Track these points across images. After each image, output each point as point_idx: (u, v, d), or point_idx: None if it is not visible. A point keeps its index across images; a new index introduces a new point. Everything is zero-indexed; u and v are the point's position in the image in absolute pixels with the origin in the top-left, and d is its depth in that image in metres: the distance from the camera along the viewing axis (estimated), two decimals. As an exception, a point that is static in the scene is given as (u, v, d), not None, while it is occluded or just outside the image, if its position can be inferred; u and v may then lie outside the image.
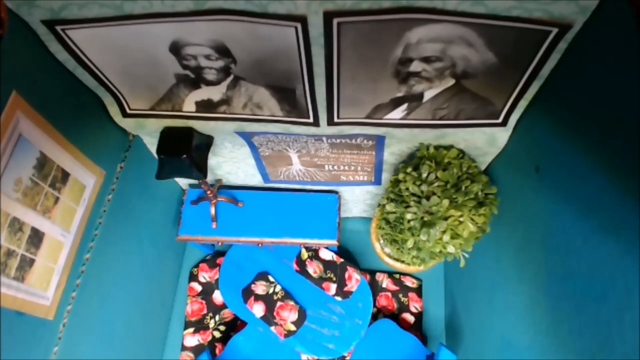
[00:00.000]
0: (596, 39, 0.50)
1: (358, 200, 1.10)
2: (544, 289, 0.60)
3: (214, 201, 0.99)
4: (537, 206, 0.63)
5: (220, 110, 0.74)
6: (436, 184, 0.73)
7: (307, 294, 1.01)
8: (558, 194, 0.58)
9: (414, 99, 0.68)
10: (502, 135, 0.73)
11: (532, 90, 0.64)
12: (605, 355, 0.46)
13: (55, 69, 0.63)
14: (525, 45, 0.56)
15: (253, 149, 0.87)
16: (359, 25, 0.54)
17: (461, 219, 0.72)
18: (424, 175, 0.74)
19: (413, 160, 0.79)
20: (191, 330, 1.09)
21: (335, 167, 0.92)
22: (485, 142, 0.75)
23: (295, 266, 1.04)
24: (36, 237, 0.60)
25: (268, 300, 1.00)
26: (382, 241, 1.01)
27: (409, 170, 0.77)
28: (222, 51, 0.61)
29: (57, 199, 0.64)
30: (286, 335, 0.97)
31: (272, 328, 0.98)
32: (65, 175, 0.65)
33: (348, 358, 1.00)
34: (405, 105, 0.69)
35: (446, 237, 0.72)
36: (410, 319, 1.11)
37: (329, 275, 1.02)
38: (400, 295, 1.12)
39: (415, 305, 1.12)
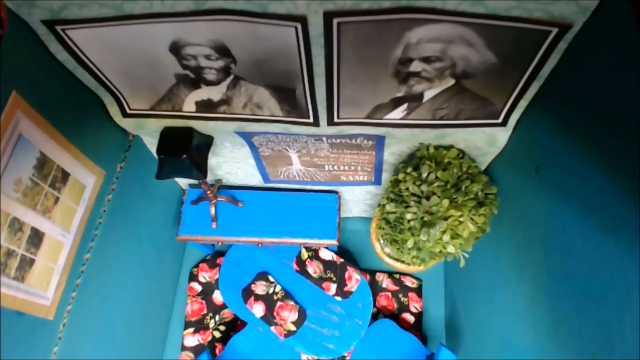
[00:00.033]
0: (596, 39, 0.50)
1: (358, 200, 1.10)
2: (544, 289, 0.60)
3: (214, 201, 0.99)
4: (537, 206, 0.63)
5: (220, 110, 0.74)
6: (436, 184, 0.73)
7: (307, 294, 1.01)
8: (558, 194, 0.58)
9: (414, 99, 0.68)
10: (502, 135, 0.73)
11: (532, 90, 0.64)
12: (605, 355, 0.46)
13: (55, 69, 0.63)
14: (525, 45, 0.56)
15: (253, 149, 0.87)
16: (359, 25, 0.54)
17: (461, 219, 0.72)
18: (424, 175, 0.74)
19: (413, 160, 0.79)
20: (191, 330, 1.09)
21: (335, 167, 0.92)
22: (485, 142, 0.75)
23: (295, 266, 1.04)
24: (36, 237, 0.60)
25: (268, 300, 1.00)
26: (382, 241, 1.01)
27: (409, 170, 0.77)
28: (222, 51, 0.61)
29: (57, 199, 0.64)
30: (286, 335, 0.97)
31: (272, 328, 0.98)
32: (65, 175, 0.65)
33: (348, 358, 1.00)
34: (405, 105, 0.69)
35: (446, 237, 0.72)
36: (410, 319, 1.11)
37: (329, 275, 1.02)
38: (400, 295, 1.12)
39: (415, 305, 1.12)
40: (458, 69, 0.61)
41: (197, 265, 1.15)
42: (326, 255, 1.04)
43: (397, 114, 0.71)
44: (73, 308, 0.70)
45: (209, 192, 0.97)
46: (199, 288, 1.13)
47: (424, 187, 0.73)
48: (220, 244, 1.02)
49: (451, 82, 0.64)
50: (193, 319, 1.10)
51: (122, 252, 0.85)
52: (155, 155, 0.79)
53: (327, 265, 1.03)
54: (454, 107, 0.69)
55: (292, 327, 0.98)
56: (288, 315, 0.99)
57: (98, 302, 0.78)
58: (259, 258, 1.05)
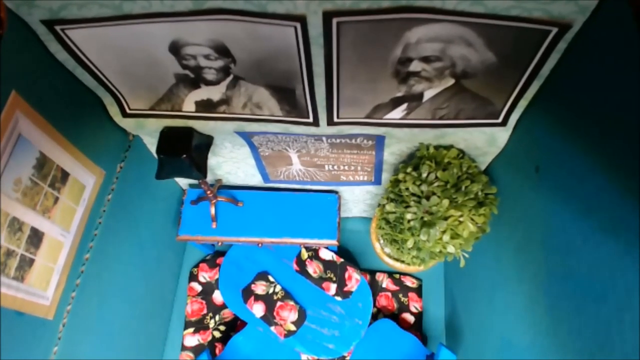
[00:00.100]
0: (596, 39, 0.50)
1: (358, 200, 1.10)
2: (544, 289, 0.60)
3: (214, 201, 0.99)
4: (537, 206, 0.63)
5: (220, 110, 0.74)
6: (436, 184, 0.73)
7: (307, 294, 1.01)
8: (558, 194, 0.58)
9: (414, 99, 0.68)
10: (502, 135, 0.73)
11: (532, 90, 0.64)
12: (605, 355, 0.45)
13: (55, 69, 0.63)
14: (525, 45, 0.56)
15: (253, 149, 0.87)
16: (358, 25, 0.54)
17: (461, 219, 0.71)
18: (424, 175, 0.74)
19: (413, 160, 0.79)
20: (191, 330, 1.09)
21: (335, 167, 0.92)
22: (485, 142, 0.75)
23: (295, 266, 1.04)
24: (36, 237, 0.60)
25: (268, 300, 1.00)
26: (382, 241, 1.01)
27: (409, 170, 0.76)
28: (222, 51, 0.61)
29: (56, 199, 0.64)
30: (286, 335, 0.97)
31: (272, 328, 0.98)
32: (65, 175, 0.65)
33: (348, 358, 1.00)
34: (405, 105, 0.69)
35: (446, 237, 0.72)
36: (410, 319, 1.11)
37: (329, 275, 1.02)
38: (400, 295, 1.12)
39: (415, 305, 1.12)
40: (458, 68, 0.61)
41: (197, 265, 1.15)
42: (326, 255, 1.04)
43: (396, 114, 0.71)
44: (73, 308, 0.70)
45: (209, 192, 0.97)
46: (199, 288, 1.13)
47: (424, 187, 0.73)
48: (220, 244, 1.02)
49: (451, 81, 0.64)
50: (193, 319, 1.10)
51: (122, 252, 0.85)
52: (155, 155, 0.79)
53: (327, 265, 1.03)
54: (453, 106, 0.69)
55: (292, 327, 0.98)
56: (288, 315, 0.99)
57: (98, 302, 0.78)
58: (259, 258, 1.05)
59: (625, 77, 0.45)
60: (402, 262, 0.98)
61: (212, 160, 0.94)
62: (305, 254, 1.04)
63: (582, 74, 0.53)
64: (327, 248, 1.03)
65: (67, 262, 0.68)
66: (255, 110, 0.73)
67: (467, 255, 0.77)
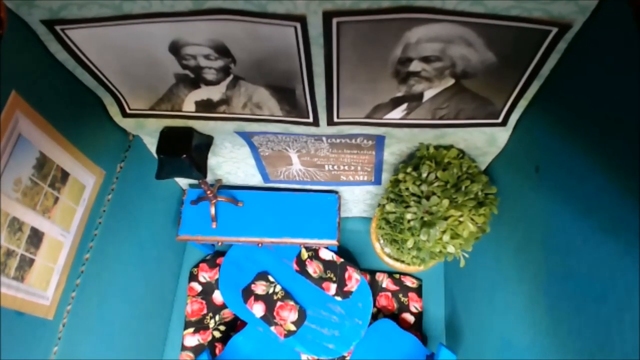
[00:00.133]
0: (596, 39, 0.50)
1: (358, 200, 1.10)
2: (544, 289, 0.60)
3: (214, 201, 0.99)
4: (537, 206, 0.63)
5: (220, 110, 0.74)
6: (436, 184, 0.73)
7: (307, 294, 1.01)
8: (558, 194, 0.58)
9: (414, 99, 0.68)
10: (502, 135, 0.73)
11: (532, 90, 0.64)
12: (605, 355, 0.45)
13: (55, 69, 0.63)
14: (525, 45, 0.56)
15: (253, 149, 0.87)
16: (358, 25, 0.54)
17: (461, 219, 0.71)
18: (424, 175, 0.74)
19: (413, 160, 0.79)
20: (191, 330, 1.09)
21: (335, 167, 0.92)
22: (485, 142, 0.75)
23: (295, 266, 1.04)
24: (36, 237, 0.60)
25: (268, 300, 1.00)
26: (382, 241, 1.01)
27: (409, 170, 0.76)
28: (222, 51, 0.61)
29: (56, 199, 0.64)
30: (286, 335, 0.97)
31: (272, 328, 0.98)
32: (65, 175, 0.65)
33: (348, 358, 1.00)
34: (405, 105, 0.69)
35: (446, 237, 0.72)
36: (410, 319, 1.11)
37: (329, 275, 1.02)
38: (400, 295, 1.12)
39: (415, 305, 1.12)
40: (458, 68, 0.61)
41: (197, 265, 1.15)
42: (326, 255, 1.04)
43: (397, 114, 0.71)
44: (73, 308, 0.70)
45: (209, 192, 0.97)
46: (199, 288, 1.13)
47: (424, 187, 0.73)
48: (220, 244, 1.02)
49: (451, 81, 0.64)
50: (193, 319, 1.10)
51: (122, 252, 0.85)
52: (155, 155, 0.79)
53: (327, 265, 1.03)
54: (453, 106, 0.69)
55: (292, 327, 0.98)
56: (288, 315, 0.99)
57: (98, 302, 0.78)
58: (259, 258, 1.05)
59: (625, 77, 0.45)
60: (402, 262, 0.98)
61: (212, 160, 0.94)
62: (305, 254, 1.04)
63: (582, 74, 0.53)
64: (327, 248, 1.03)
65: (67, 262, 0.68)
66: (255, 110, 0.73)
67: (467, 255, 0.77)
